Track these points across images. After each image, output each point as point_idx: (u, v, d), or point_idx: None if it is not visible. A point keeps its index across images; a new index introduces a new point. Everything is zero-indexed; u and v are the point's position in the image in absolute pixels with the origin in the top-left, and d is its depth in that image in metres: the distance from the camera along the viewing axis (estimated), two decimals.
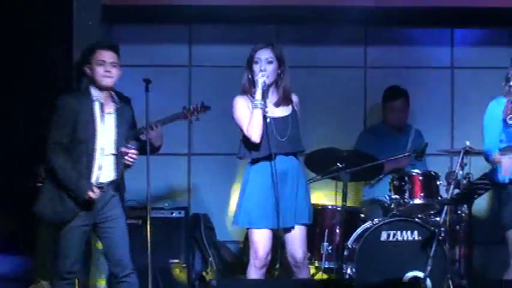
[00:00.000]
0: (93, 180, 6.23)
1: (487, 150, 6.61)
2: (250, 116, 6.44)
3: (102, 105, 6.27)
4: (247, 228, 6.61)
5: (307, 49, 9.14)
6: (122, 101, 6.55)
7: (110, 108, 6.33)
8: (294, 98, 6.65)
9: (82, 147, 6.19)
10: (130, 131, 6.55)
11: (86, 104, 6.25)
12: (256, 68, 6.50)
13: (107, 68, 6.26)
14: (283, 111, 6.56)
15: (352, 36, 9.27)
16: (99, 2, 8.24)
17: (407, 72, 9.17)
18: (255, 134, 6.40)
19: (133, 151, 6.27)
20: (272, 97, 6.60)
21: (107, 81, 6.28)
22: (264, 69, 6.47)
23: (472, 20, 9.04)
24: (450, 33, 9.38)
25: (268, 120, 6.43)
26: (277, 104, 6.55)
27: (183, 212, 8.70)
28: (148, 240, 7.07)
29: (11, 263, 8.44)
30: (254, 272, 6.51)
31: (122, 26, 9.02)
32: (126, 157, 6.24)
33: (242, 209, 6.54)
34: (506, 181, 6.42)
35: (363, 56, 9.35)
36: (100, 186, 6.23)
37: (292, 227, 6.52)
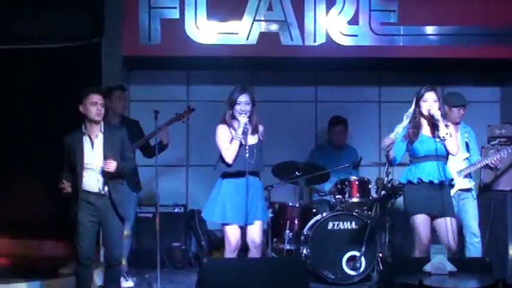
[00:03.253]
0: (95, 189, 6.15)
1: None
2: (228, 144, 6.38)
3: (89, 136, 6.18)
4: (222, 224, 6.51)
5: (274, 88, 9.13)
6: (112, 127, 6.47)
7: (96, 133, 6.21)
8: (260, 128, 6.56)
9: (77, 167, 6.13)
10: (125, 144, 6.34)
11: (76, 139, 6.19)
12: (237, 107, 6.42)
13: (98, 108, 6.18)
14: (252, 140, 6.47)
15: (306, 78, 9.31)
16: (121, 54, 8.23)
17: (347, 105, 9.15)
18: (229, 157, 6.36)
19: (110, 162, 6.10)
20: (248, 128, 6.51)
21: (99, 117, 6.20)
22: (245, 109, 6.41)
23: (395, 66, 9.11)
24: (378, 76, 9.42)
25: (245, 147, 6.36)
26: (252, 132, 6.47)
27: (182, 208, 8.70)
28: (157, 229, 7.10)
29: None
30: (229, 255, 6.46)
31: (138, 72, 9.01)
32: (106, 165, 6.11)
33: (216, 209, 6.44)
34: (404, 181, 6.43)
35: (314, 93, 9.36)
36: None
37: (252, 222, 6.46)
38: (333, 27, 8.49)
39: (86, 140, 6.20)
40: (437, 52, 8.57)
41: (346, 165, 8.10)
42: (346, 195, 7.84)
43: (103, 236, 6.29)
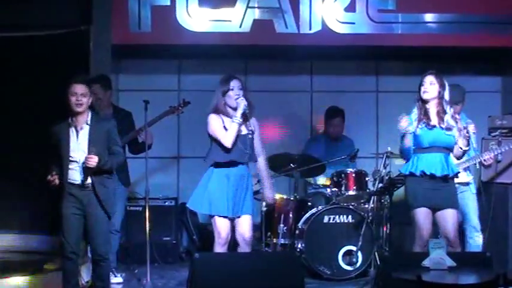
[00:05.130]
0: (77, 181, 6.10)
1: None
2: (224, 131, 6.32)
3: (75, 127, 6.13)
4: (210, 216, 6.47)
5: (269, 78, 9.14)
6: (100, 119, 6.34)
7: (82, 124, 6.15)
8: (253, 119, 6.49)
9: (63, 158, 6.10)
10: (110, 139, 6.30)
11: (63, 129, 6.15)
12: (231, 93, 6.36)
13: (78, 98, 6.12)
14: (245, 130, 6.43)
15: (301, 67, 9.28)
16: (110, 42, 8.19)
17: (343, 95, 9.14)
18: (229, 142, 6.29)
19: (92, 157, 6.02)
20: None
21: (79, 108, 6.13)
22: (239, 94, 6.36)
23: (393, 55, 9.08)
24: (376, 65, 9.39)
25: (242, 135, 6.35)
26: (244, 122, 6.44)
27: (173, 201, 8.68)
28: (147, 222, 7.06)
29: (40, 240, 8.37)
30: (219, 249, 6.41)
31: (128, 61, 8.98)
32: (86, 161, 6.05)
33: (205, 200, 6.39)
34: (406, 173, 6.40)
35: (309, 83, 9.34)
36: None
37: (240, 216, 6.43)
38: (329, 14, 8.47)
39: (71, 131, 6.15)
40: (436, 40, 8.55)
41: (343, 157, 8.10)
42: (343, 188, 7.85)
43: (87, 231, 6.21)
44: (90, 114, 6.21)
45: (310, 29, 8.47)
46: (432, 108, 6.36)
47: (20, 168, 8.16)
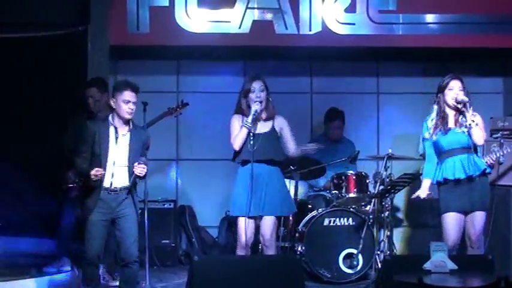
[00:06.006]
0: (107, 184, 6.19)
1: None
2: (238, 131, 6.44)
3: (116, 129, 6.22)
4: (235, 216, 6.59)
5: (268, 79, 9.01)
6: (138, 127, 6.45)
7: (124, 130, 6.25)
8: (279, 119, 6.63)
9: (97, 159, 6.16)
10: (143, 148, 6.43)
11: (103, 128, 6.22)
12: (252, 95, 6.48)
13: (130, 106, 6.21)
14: (264, 128, 6.55)
15: (301, 69, 9.28)
16: (108, 43, 8.20)
17: (343, 97, 9.13)
18: (236, 144, 6.45)
19: (141, 165, 6.19)
20: (262, 116, 6.58)
21: (130, 116, 6.23)
22: (260, 96, 6.48)
23: (393, 56, 9.09)
24: (376, 66, 9.39)
25: (252, 136, 6.43)
26: (265, 121, 6.56)
27: (172, 204, 8.69)
28: (146, 225, 7.05)
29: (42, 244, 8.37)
30: (240, 251, 6.51)
31: (125, 61, 8.96)
32: (135, 170, 6.17)
33: (231, 202, 6.58)
34: (434, 182, 6.39)
35: (309, 84, 9.33)
36: (114, 189, 6.21)
37: (262, 216, 6.51)
38: (329, 15, 8.47)
39: (111, 134, 6.22)
40: (437, 41, 8.55)
41: (343, 159, 8.11)
42: (343, 191, 7.85)
43: (117, 231, 6.33)
44: (131, 121, 6.29)
45: (310, 30, 8.47)
46: (451, 111, 6.35)
47: (21, 170, 8.17)
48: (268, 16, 8.45)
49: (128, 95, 6.20)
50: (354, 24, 8.50)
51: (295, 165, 7.83)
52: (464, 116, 6.24)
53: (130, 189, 6.28)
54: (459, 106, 6.28)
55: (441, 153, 6.36)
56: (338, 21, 8.50)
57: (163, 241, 8.49)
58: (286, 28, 8.45)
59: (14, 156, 8.15)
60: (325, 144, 8.39)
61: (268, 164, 6.54)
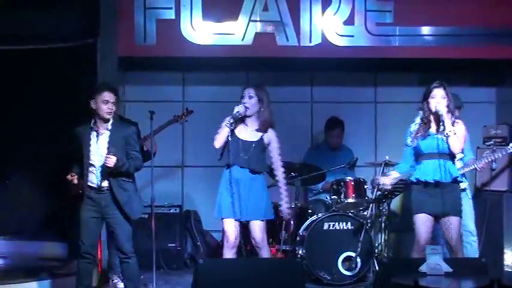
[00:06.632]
0: (94, 184, 6.23)
1: None
2: (221, 129, 6.47)
3: (97, 131, 6.27)
4: (221, 219, 6.57)
5: (270, 89, 9.01)
6: (122, 124, 6.50)
7: (103, 129, 6.29)
8: (271, 132, 6.61)
9: (83, 160, 6.22)
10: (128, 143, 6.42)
11: (85, 131, 6.28)
12: (242, 100, 6.54)
13: (109, 106, 6.26)
14: (253, 137, 6.53)
15: (302, 79, 9.30)
16: (116, 54, 8.21)
17: (342, 106, 9.14)
18: (216, 142, 6.46)
19: (111, 157, 6.15)
20: (252, 124, 6.59)
21: (109, 115, 6.27)
22: (246, 102, 6.50)
23: (391, 67, 9.11)
24: (374, 76, 9.42)
25: (236, 140, 6.44)
26: (257, 130, 6.55)
27: (178, 208, 8.71)
28: (153, 229, 7.09)
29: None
30: (227, 253, 6.50)
31: (133, 72, 8.99)
32: (105, 161, 6.17)
33: (216, 204, 6.56)
34: (414, 180, 6.42)
35: (310, 94, 9.36)
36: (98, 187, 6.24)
37: (250, 221, 6.53)
38: (329, 27, 8.48)
39: (93, 135, 6.28)
40: (433, 53, 8.56)
41: (342, 165, 8.13)
42: (342, 196, 7.86)
43: (111, 232, 6.40)
44: (112, 120, 6.32)
45: (310, 41, 8.48)
46: (434, 117, 6.38)
47: (31, 175, 8.20)
48: (270, 28, 8.46)
49: (107, 95, 6.25)
50: (352, 36, 8.52)
51: (296, 172, 7.86)
52: (443, 125, 6.27)
53: (112, 189, 6.25)
54: (437, 113, 6.32)
55: (419, 156, 6.40)
56: (337, 34, 8.51)
57: (170, 245, 8.51)
58: (288, 40, 8.46)
59: (26, 163, 8.20)
60: (325, 151, 8.47)
61: (250, 172, 6.54)
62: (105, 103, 6.24)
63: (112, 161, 6.14)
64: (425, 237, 6.29)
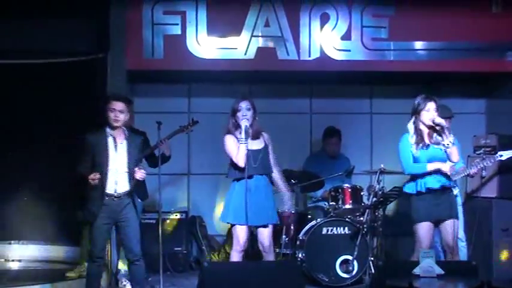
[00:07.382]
0: (111, 191, 6.26)
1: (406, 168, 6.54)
2: (236, 149, 6.42)
3: (114, 139, 6.32)
4: (231, 224, 6.58)
5: (272, 100, 9.13)
6: (134, 133, 6.57)
7: (121, 139, 6.35)
8: (265, 135, 6.63)
9: (98, 168, 6.24)
10: (140, 153, 6.53)
11: (101, 138, 6.31)
12: (239, 114, 6.49)
13: (116, 114, 6.31)
14: (256, 145, 6.54)
15: (301, 91, 9.34)
16: (125, 68, 8.25)
17: (340, 117, 9.18)
18: (241, 162, 6.38)
19: (141, 170, 6.32)
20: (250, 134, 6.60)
21: (116, 123, 6.33)
22: (245, 114, 6.48)
23: (385, 79, 9.15)
24: (370, 89, 9.45)
25: (247, 152, 6.40)
26: (253, 138, 6.54)
27: (184, 214, 8.72)
28: (160, 234, 7.12)
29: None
30: (235, 256, 6.51)
31: (141, 85, 9.02)
32: (136, 174, 6.28)
33: (229, 210, 6.52)
34: (414, 192, 6.46)
35: (309, 105, 9.40)
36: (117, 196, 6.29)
37: (262, 225, 6.53)
38: (327, 42, 8.52)
39: (110, 143, 6.32)
40: (425, 66, 8.60)
41: (340, 173, 8.16)
42: (340, 202, 7.89)
43: (121, 234, 6.42)
44: (126, 129, 6.40)
45: (309, 55, 8.51)
46: (426, 129, 6.44)
47: (42, 183, 8.21)
48: (271, 43, 8.49)
49: (114, 104, 6.31)
50: (349, 50, 8.55)
51: (296, 179, 7.89)
52: (441, 136, 6.33)
53: (131, 193, 6.36)
54: (437, 128, 6.37)
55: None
56: (335, 48, 8.55)
57: (176, 248, 8.52)
58: (288, 54, 8.48)
59: (41, 171, 8.20)
60: (323, 159, 8.50)
61: (261, 178, 6.55)
62: (112, 111, 6.29)
63: (144, 175, 6.27)
64: (427, 244, 6.35)
